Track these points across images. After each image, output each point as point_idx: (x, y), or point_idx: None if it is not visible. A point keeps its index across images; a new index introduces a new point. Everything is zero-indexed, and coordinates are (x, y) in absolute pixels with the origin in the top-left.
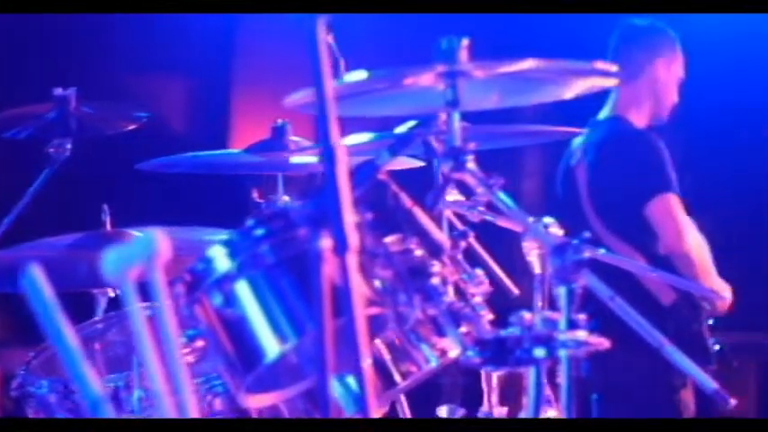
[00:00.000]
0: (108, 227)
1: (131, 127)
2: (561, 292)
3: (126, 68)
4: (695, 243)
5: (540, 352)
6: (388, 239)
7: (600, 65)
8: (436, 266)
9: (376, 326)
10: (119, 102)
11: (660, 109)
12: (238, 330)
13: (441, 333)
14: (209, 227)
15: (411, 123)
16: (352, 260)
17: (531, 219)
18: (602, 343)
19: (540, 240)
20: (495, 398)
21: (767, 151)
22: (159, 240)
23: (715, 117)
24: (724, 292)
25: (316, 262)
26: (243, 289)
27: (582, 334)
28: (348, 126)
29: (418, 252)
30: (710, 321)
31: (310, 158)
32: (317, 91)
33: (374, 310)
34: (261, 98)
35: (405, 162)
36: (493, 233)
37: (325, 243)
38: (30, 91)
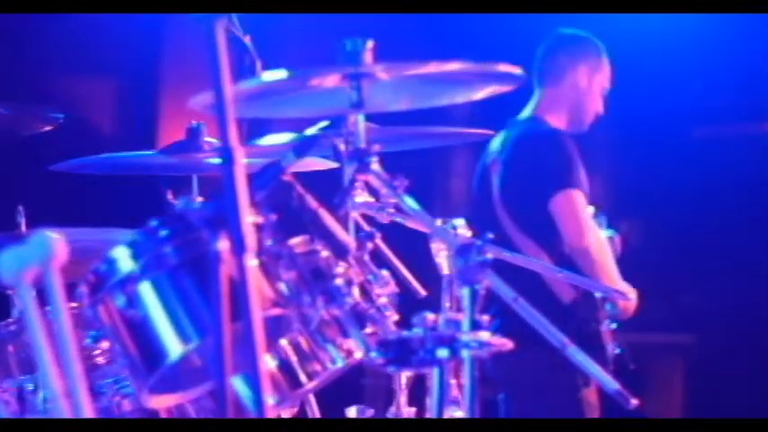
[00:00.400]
0: (23, 228)
1: (47, 128)
2: (464, 292)
3: (52, 70)
4: (596, 241)
5: (442, 353)
6: (294, 241)
7: (503, 67)
8: (340, 268)
9: (281, 327)
10: (35, 103)
11: (580, 115)
12: (141, 331)
13: (346, 334)
14: (126, 228)
15: (322, 124)
16: (250, 261)
17: (438, 221)
18: (505, 344)
19: (444, 241)
20: (404, 398)
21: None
22: (54, 242)
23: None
24: (628, 293)
25: (214, 263)
26: (146, 290)
27: (485, 335)
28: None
29: (324, 253)
30: (613, 324)
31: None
32: (215, 93)
33: (277, 311)
34: (188, 99)
35: (320, 163)
36: (404, 235)
37: (223, 244)
38: None
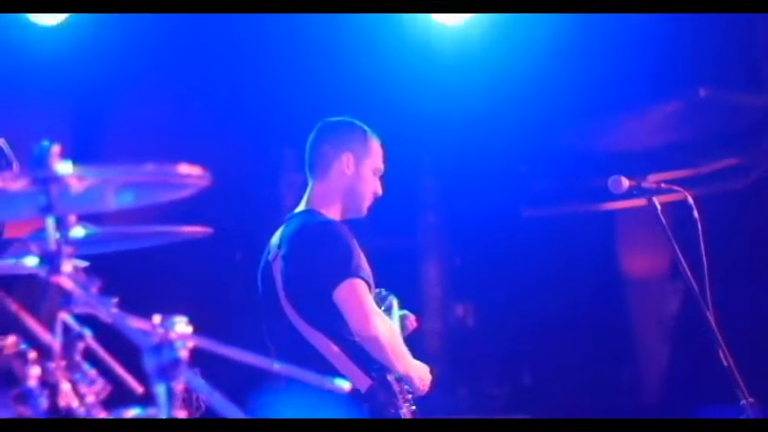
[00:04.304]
0: None
1: None
2: (160, 389)
3: None
4: (384, 327)
5: None
6: (4, 342)
7: (183, 169)
8: (36, 369)
9: None
10: None
11: (354, 203)
12: None
13: None
14: None
15: None
16: None
17: (157, 317)
18: None
19: (134, 340)
20: None
21: None
22: None
23: None
24: (420, 375)
25: None
26: None
27: None
28: None
29: (26, 355)
30: (412, 406)
31: None
32: None
33: None
34: None
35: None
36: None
37: None
38: None
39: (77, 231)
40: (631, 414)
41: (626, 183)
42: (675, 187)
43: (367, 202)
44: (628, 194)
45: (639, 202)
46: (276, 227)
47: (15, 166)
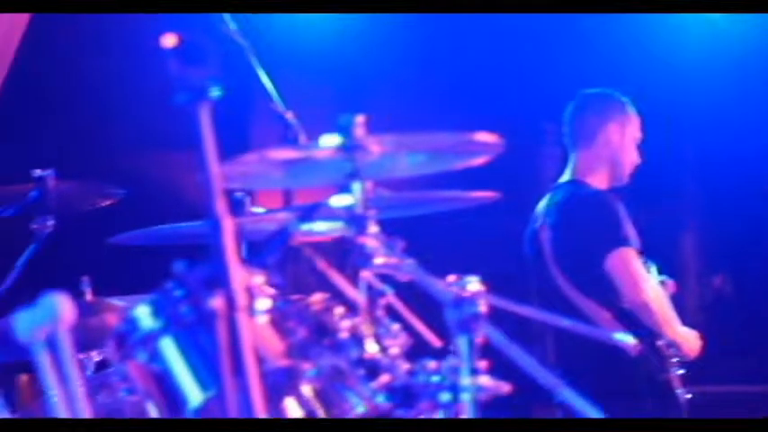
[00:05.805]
0: (88, 297)
1: (108, 203)
2: (462, 341)
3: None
4: (654, 294)
5: (445, 396)
6: (314, 298)
7: (481, 136)
8: (347, 322)
9: (293, 377)
10: (96, 179)
11: (618, 171)
12: (165, 382)
13: (367, 381)
14: None
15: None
16: (243, 318)
17: (452, 277)
18: (501, 387)
19: (437, 296)
20: None
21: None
22: (63, 304)
23: None
24: (688, 340)
25: (211, 319)
26: (166, 345)
27: (483, 379)
28: None
29: (334, 310)
30: (680, 371)
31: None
32: (202, 170)
33: (287, 362)
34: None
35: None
36: None
37: (218, 302)
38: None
39: (377, 196)
40: None
41: None
42: None
43: (628, 170)
44: None
45: None
46: (539, 196)
47: (302, 137)
